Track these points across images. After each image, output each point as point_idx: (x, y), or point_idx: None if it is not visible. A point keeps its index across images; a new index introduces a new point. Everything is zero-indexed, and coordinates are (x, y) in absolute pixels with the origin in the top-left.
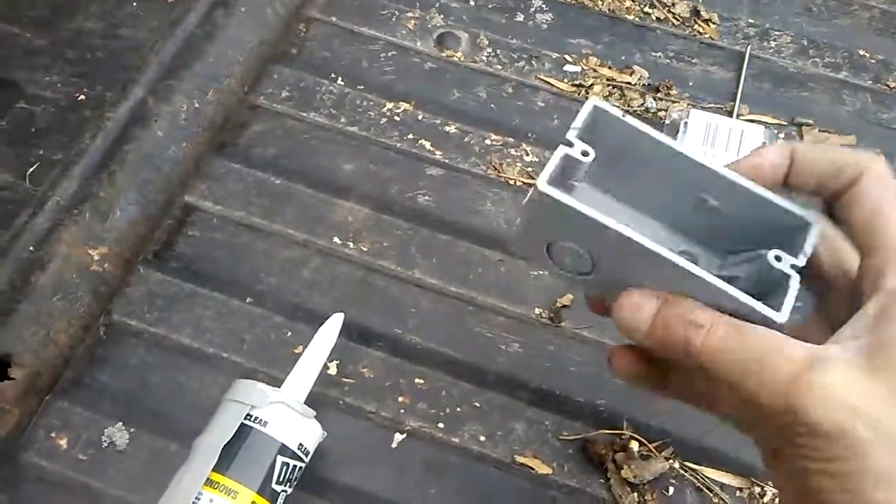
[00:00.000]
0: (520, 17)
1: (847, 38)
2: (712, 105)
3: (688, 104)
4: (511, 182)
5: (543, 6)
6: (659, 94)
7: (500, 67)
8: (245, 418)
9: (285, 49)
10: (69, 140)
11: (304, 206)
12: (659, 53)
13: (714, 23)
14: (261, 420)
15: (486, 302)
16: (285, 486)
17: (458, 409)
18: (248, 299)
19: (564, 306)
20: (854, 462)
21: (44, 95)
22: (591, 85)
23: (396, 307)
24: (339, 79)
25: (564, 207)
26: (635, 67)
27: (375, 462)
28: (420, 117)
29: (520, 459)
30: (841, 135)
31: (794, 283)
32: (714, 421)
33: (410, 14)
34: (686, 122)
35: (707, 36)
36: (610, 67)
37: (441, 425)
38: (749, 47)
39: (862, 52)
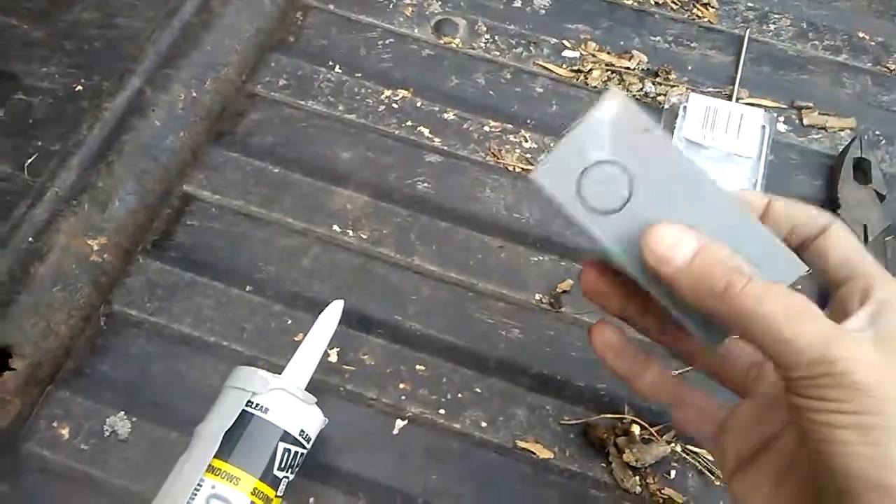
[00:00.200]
0: (517, 3)
1: (846, 20)
2: (711, 89)
3: (687, 88)
4: (510, 168)
5: None
6: (658, 79)
7: (498, 54)
8: (246, 405)
9: (282, 37)
10: (67, 131)
11: (302, 195)
12: (658, 38)
13: (713, 6)
14: (262, 407)
15: (486, 288)
16: (287, 472)
17: (459, 395)
18: (247, 288)
19: (564, 292)
20: (882, 417)
21: (41, 86)
22: (590, 70)
23: (396, 294)
24: (337, 66)
25: (635, 111)
26: (634, 52)
27: (377, 448)
28: (418, 104)
29: (521, 444)
30: (840, 117)
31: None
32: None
33: (408, 1)
34: (685, 107)
35: (706, 20)
36: (609, 52)
37: (442, 411)
38: (748, 31)
39: (861, 35)
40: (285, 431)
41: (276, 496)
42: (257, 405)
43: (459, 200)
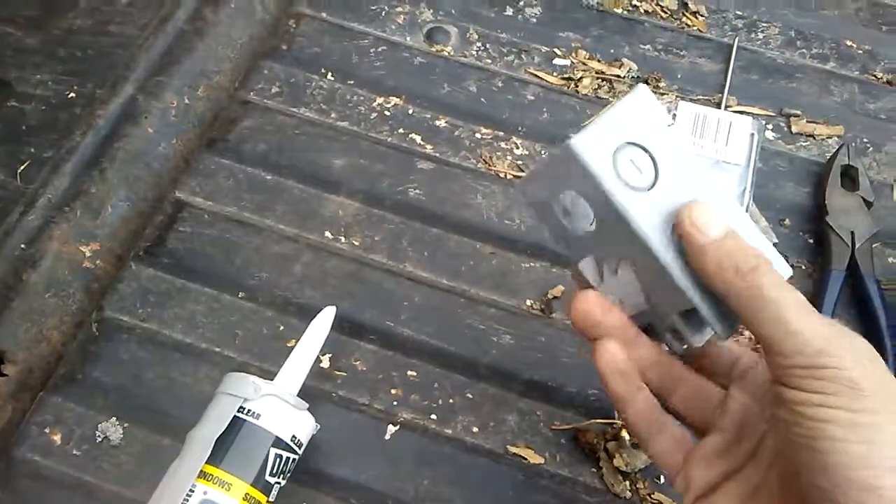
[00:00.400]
0: (509, 12)
1: (834, 29)
2: (701, 97)
3: (676, 96)
4: (501, 175)
5: (532, 0)
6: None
7: (489, 61)
8: (238, 411)
9: (275, 45)
10: (60, 138)
11: (295, 202)
12: (647, 46)
13: (702, 15)
14: (254, 413)
15: (478, 294)
16: (279, 477)
17: (451, 401)
18: (240, 294)
19: (556, 297)
20: (876, 417)
21: (34, 93)
22: (581, 78)
23: (388, 300)
24: (329, 74)
25: (661, 107)
26: (624, 60)
27: (368, 454)
28: (410, 112)
29: (512, 450)
30: (828, 125)
31: None
32: None
33: (400, 9)
34: (675, 114)
35: (695, 28)
36: (599, 61)
37: (434, 417)
38: (737, 39)
39: (849, 43)
40: (277, 437)
41: (267, 501)
42: (249, 411)
43: (451, 207)
